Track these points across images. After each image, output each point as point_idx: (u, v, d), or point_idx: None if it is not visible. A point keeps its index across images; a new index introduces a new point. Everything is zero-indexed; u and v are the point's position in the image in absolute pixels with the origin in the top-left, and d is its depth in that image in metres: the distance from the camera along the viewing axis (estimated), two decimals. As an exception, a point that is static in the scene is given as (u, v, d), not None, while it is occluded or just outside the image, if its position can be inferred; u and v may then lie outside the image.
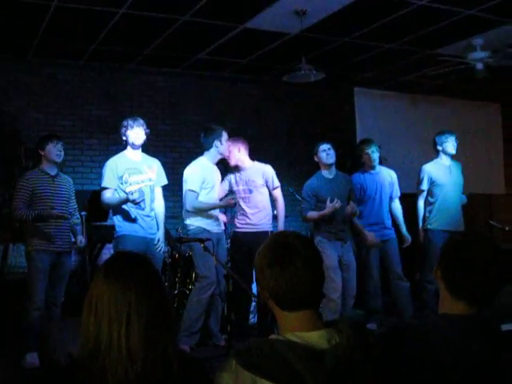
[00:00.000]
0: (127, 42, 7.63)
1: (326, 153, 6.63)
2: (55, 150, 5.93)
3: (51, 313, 5.96)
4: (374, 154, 7.09)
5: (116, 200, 6.06)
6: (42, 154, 5.96)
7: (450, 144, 7.24)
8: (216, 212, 6.53)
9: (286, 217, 8.14)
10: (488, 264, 2.19)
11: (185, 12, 6.61)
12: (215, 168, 6.61)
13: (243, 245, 6.58)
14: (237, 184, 6.73)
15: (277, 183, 6.77)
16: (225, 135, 6.50)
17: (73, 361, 1.93)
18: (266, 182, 6.73)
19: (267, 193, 6.76)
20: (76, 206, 6.29)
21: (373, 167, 7.15)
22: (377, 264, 7.09)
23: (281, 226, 6.68)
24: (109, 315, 1.89)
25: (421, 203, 7.37)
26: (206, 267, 6.17)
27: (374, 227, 7.02)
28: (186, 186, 6.36)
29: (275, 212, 6.90)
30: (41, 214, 5.74)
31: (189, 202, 6.31)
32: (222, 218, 6.88)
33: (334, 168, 6.74)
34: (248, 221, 6.67)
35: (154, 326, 1.92)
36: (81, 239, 6.20)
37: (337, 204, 6.37)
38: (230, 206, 6.59)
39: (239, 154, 6.73)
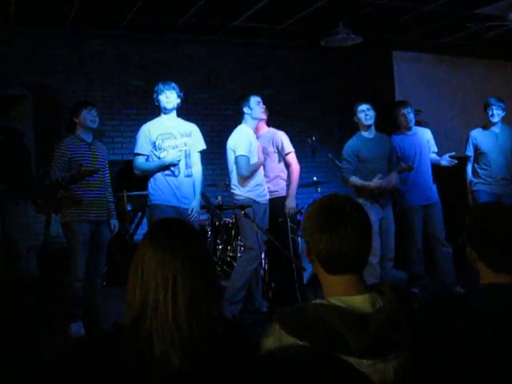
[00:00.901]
0: (163, 11, 7.61)
1: (364, 113, 6.54)
2: (90, 116, 5.86)
3: (94, 282, 5.95)
4: (410, 114, 6.99)
5: (150, 166, 6.01)
6: (77, 121, 5.89)
7: (490, 112, 7.12)
8: (264, 182, 6.49)
9: (327, 183, 8.17)
10: None
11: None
12: (253, 133, 6.52)
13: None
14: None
15: (289, 148, 6.68)
16: (253, 99, 6.37)
17: (119, 328, 1.95)
18: (277, 149, 6.67)
19: (280, 159, 6.71)
20: (109, 179, 6.21)
21: (409, 128, 7.05)
22: (419, 230, 7.02)
23: (292, 193, 6.60)
24: (155, 280, 1.91)
25: (468, 168, 7.31)
26: (252, 239, 6.13)
27: (416, 190, 6.94)
28: (236, 154, 6.25)
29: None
30: (75, 174, 5.64)
31: (244, 168, 6.22)
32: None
33: (373, 129, 6.64)
34: (269, 187, 6.63)
35: (200, 291, 1.93)
36: (114, 223, 6.13)
37: (384, 183, 6.34)
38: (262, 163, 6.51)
39: None
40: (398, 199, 7.05)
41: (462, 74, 10.78)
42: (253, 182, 6.33)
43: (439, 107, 10.29)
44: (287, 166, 6.73)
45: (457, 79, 10.71)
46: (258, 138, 6.61)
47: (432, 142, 7.23)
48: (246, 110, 6.36)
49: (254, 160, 6.30)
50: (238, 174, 6.31)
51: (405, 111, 6.99)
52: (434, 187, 7.06)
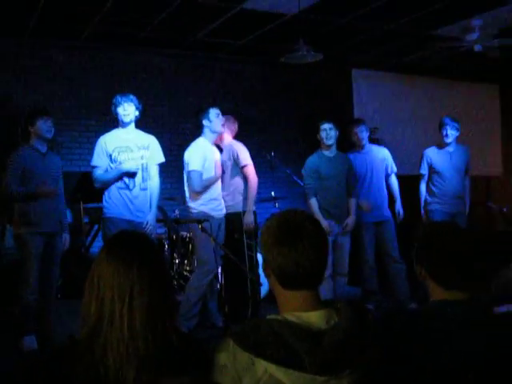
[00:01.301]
0: (124, 23, 7.58)
1: (326, 132, 6.57)
2: (45, 126, 5.71)
3: (47, 294, 5.83)
4: (362, 133, 7.05)
5: (108, 176, 5.91)
6: (32, 130, 5.73)
7: (444, 132, 7.21)
8: (220, 196, 6.40)
9: (285, 198, 8.18)
10: (468, 249, 2.22)
11: (182, -8, 6.59)
12: (214, 148, 6.46)
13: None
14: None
15: (245, 161, 6.46)
16: (213, 112, 6.28)
17: (73, 342, 1.94)
18: (235, 161, 6.49)
19: (238, 172, 6.51)
20: (63, 191, 6.07)
21: (362, 146, 7.11)
22: (371, 246, 7.09)
23: (250, 208, 6.41)
24: (111, 292, 1.91)
25: (422, 186, 7.38)
26: (207, 252, 6.09)
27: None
28: (188, 168, 6.22)
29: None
30: (31, 191, 5.56)
31: (196, 183, 6.16)
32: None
33: (334, 148, 6.68)
34: (226, 202, 6.53)
35: (156, 304, 1.93)
36: (66, 237, 6.00)
37: (330, 230, 6.37)
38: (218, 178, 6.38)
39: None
40: None
41: (420, 92, 10.93)
42: (207, 196, 6.26)
43: (397, 125, 10.42)
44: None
45: (415, 98, 10.86)
46: (221, 149, 6.59)
47: (390, 161, 7.27)
48: (205, 122, 6.28)
49: (208, 175, 6.24)
50: (190, 188, 6.27)
51: (357, 130, 7.06)
52: (386, 205, 7.13)
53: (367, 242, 7.06)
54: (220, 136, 6.57)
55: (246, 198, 6.53)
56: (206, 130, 6.34)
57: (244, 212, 6.45)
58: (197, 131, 6.48)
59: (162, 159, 6.23)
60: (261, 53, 9.15)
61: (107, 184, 5.93)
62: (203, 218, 5.84)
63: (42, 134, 5.73)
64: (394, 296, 7.04)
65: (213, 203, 6.30)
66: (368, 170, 7.05)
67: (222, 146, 6.63)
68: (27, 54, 8.28)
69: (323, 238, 2.04)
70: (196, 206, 6.26)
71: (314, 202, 6.54)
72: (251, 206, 6.45)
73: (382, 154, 7.24)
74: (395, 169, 7.30)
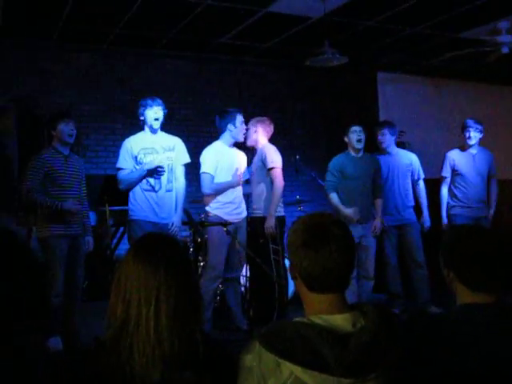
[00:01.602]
0: (149, 27, 7.61)
1: (356, 134, 6.57)
2: (67, 130, 5.80)
3: (73, 296, 5.90)
4: (385, 136, 7.04)
5: (131, 176, 5.96)
6: (54, 133, 5.85)
7: (467, 134, 7.17)
8: (238, 200, 6.40)
9: (310, 201, 8.16)
10: (497, 251, 2.20)
11: (207, -4, 6.59)
12: (233, 151, 6.47)
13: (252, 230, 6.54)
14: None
15: (272, 164, 6.43)
16: (239, 118, 6.32)
17: (99, 343, 1.94)
18: (263, 163, 6.51)
19: (265, 175, 6.52)
20: (85, 192, 6.15)
21: (384, 149, 7.10)
22: (392, 249, 7.05)
23: (272, 211, 6.35)
24: (138, 295, 1.91)
25: (444, 189, 7.33)
26: (216, 258, 6.13)
27: (388, 210, 6.97)
28: (201, 170, 6.25)
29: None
30: (57, 206, 5.62)
31: (204, 185, 6.21)
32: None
33: (362, 151, 6.69)
34: (253, 205, 6.62)
35: (182, 307, 1.93)
36: (89, 240, 6.06)
37: (356, 216, 6.37)
38: (239, 183, 6.41)
39: (255, 134, 6.68)
40: None
41: (446, 96, 10.86)
42: (222, 200, 6.26)
43: (422, 129, 10.35)
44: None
45: (441, 101, 10.79)
46: (255, 152, 6.64)
47: (417, 167, 7.22)
48: (229, 126, 6.29)
49: (220, 179, 6.25)
50: (202, 190, 6.29)
51: (379, 132, 7.04)
52: (409, 209, 7.08)
53: (388, 245, 7.03)
54: (254, 138, 6.63)
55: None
56: (226, 134, 6.36)
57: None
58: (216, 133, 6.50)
59: (188, 160, 6.27)
60: (286, 56, 9.13)
61: (132, 185, 5.99)
62: (229, 222, 5.90)
63: (63, 138, 5.82)
64: (415, 299, 7.00)
65: (228, 207, 6.28)
66: (389, 174, 7.02)
67: (256, 150, 6.64)
68: (53, 57, 8.33)
69: (350, 241, 2.03)
70: (211, 209, 6.26)
71: (333, 196, 6.55)
72: (273, 210, 6.39)
73: (408, 159, 7.20)
74: (423, 175, 7.25)
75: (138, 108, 6.07)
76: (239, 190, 6.42)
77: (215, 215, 6.20)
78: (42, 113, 7.96)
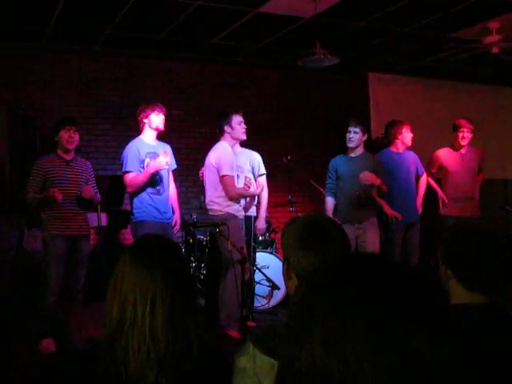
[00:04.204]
0: (141, 28, 7.60)
1: (349, 134, 6.61)
2: (66, 136, 5.94)
3: (73, 298, 5.99)
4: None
5: (138, 178, 6.06)
6: (56, 139, 6.00)
7: (461, 134, 7.23)
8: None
9: (297, 203, 8.18)
10: (497, 251, 2.21)
11: (199, -3, 6.58)
12: (239, 151, 6.55)
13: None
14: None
15: (263, 170, 6.70)
16: (236, 119, 6.28)
17: (93, 345, 1.95)
18: (253, 169, 6.65)
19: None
20: (97, 190, 6.29)
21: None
22: (398, 248, 7.01)
23: (262, 213, 6.69)
24: (134, 296, 1.92)
25: (431, 182, 7.45)
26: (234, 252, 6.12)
27: (396, 209, 6.92)
28: (221, 173, 6.14)
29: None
30: (41, 197, 5.76)
31: (231, 189, 6.15)
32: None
33: (359, 150, 6.67)
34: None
35: (178, 309, 1.94)
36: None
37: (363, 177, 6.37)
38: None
39: None
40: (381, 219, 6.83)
41: (437, 96, 10.87)
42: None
43: (413, 129, 10.36)
44: None
45: (431, 101, 10.80)
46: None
47: (420, 165, 7.35)
48: (226, 128, 6.28)
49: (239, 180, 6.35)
50: (226, 193, 6.19)
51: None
52: (415, 207, 7.14)
53: (395, 245, 6.97)
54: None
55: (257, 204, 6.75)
56: (226, 136, 6.35)
57: (255, 217, 6.68)
58: (214, 135, 6.50)
59: (176, 166, 6.56)
60: (277, 57, 9.14)
61: (138, 187, 6.11)
62: (233, 222, 6.04)
63: (63, 145, 5.97)
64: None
65: (237, 203, 6.33)
66: (397, 172, 7.05)
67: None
68: (44, 59, 8.32)
69: (346, 241, 2.06)
70: (221, 207, 6.21)
71: (327, 201, 6.63)
72: (263, 213, 6.73)
73: (412, 156, 7.29)
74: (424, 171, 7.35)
75: (141, 111, 6.23)
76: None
77: (226, 212, 6.20)
78: (33, 115, 7.95)
